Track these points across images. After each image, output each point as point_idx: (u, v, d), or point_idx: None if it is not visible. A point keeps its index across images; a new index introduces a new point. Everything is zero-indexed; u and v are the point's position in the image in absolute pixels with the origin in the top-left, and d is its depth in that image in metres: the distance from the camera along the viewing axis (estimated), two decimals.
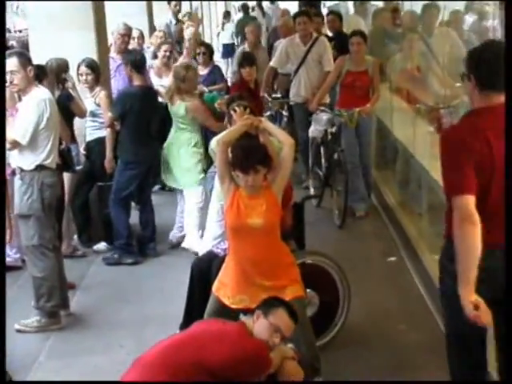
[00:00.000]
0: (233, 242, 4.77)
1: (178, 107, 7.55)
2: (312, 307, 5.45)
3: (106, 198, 7.77)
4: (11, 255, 7.40)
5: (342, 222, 8.27)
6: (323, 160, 8.96)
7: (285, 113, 10.23)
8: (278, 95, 10.29)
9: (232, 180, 4.71)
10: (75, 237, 8.17)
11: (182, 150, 7.63)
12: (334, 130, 8.71)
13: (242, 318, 3.88)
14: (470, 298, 3.58)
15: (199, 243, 6.91)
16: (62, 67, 7.69)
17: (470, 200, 3.63)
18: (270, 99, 9.75)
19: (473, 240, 3.59)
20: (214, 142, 5.99)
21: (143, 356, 3.61)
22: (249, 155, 4.58)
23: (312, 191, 9.18)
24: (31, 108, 6.06)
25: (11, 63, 5.96)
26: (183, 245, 7.66)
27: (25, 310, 6.33)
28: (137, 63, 7.65)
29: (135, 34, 10.09)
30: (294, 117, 9.78)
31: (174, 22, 13.91)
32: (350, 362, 5.42)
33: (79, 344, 6.01)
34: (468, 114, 3.93)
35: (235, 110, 5.46)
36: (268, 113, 9.47)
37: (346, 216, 8.33)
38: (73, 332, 6.25)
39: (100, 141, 7.84)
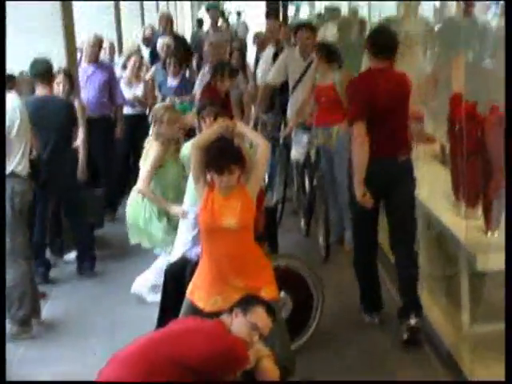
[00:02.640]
0: (207, 243, 4.79)
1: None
2: (286, 310, 5.48)
3: (78, 207, 7.69)
4: None
5: (327, 255, 7.57)
6: (307, 185, 8.23)
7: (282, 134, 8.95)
8: (272, 114, 9.46)
9: (206, 181, 4.74)
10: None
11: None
12: (315, 151, 7.98)
13: (220, 317, 3.89)
14: (360, 188, 5.57)
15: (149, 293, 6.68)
16: None
17: (361, 125, 5.53)
18: (265, 118, 9.19)
19: (363, 151, 5.53)
20: (184, 149, 6.03)
21: (119, 353, 3.61)
22: (224, 155, 4.62)
23: (302, 221, 8.49)
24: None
25: None
26: (132, 289, 6.86)
27: None
28: (39, 72, 7.22)
29: (106, 44, 10.09)
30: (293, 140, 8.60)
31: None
32: (324, 364, 5.46)
33: (51, 352, 5.98)
34: (365, 71, 6.07)
35: (204, 120, 5.47)
36: None
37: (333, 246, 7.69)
38: (44, 340, 6.22)
39: (73, 150, 7.79)
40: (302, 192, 8.58)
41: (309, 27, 8.90)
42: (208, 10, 16.34)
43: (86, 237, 7.78)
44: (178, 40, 11.62)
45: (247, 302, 3.86)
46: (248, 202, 4.73)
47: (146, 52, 11.78)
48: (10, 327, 6.16)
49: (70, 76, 7.84)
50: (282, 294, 5.35)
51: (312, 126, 7.96)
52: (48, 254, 7.92)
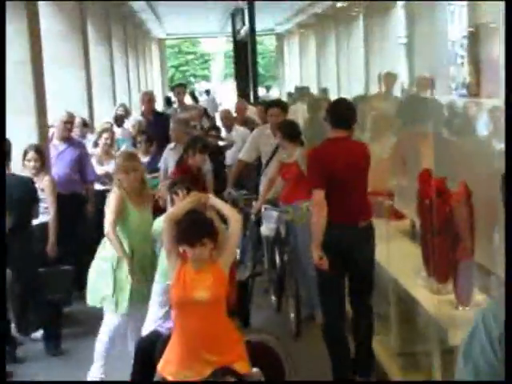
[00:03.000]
0: (179, 317, 4.76)
1: None
2: None
3: (46, 284, 7.61)
4: None
5: (298, 330, 7.53)
6: (277, 260, 8.21)
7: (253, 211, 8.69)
8: (244, 191, 9.37)
9: (179, 255, 4.73)
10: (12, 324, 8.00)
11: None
12: (285, 226, 7.88)
13: None
14: (317, 252, 5.70)
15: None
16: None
17: (319, 192, 5.71)
18: (236, 194, 9.08)
19: (321, 217, 5.69)
20: (157, 224, 6.02)
21: None
22: (196, 228, 4.63)
23: (273, 297, 8.46)
24: None
25: None
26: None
27: None
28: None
29: (77, 121, 10.13)
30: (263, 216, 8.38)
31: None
32: None
33: None
34: (324, 141, 6.11)
35: (177, 194, 5.50)
36: None
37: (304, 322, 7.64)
38: None
39: (44, 225, 7.76)
40: (272, 267, 8.55)
41: (279, 105, 9.02)
42: (173, 88, 16.49)
43: (52, 315, 7.68)
44: (159, 117, 11.62)
45: (220, 376, 3.82)
46: (220, 276, 4.73)
47: (117, 130, 11.83)
48: None
49: (41, 152, 7.86)
50: (255, 369, 5.29)
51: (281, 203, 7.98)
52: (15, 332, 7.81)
